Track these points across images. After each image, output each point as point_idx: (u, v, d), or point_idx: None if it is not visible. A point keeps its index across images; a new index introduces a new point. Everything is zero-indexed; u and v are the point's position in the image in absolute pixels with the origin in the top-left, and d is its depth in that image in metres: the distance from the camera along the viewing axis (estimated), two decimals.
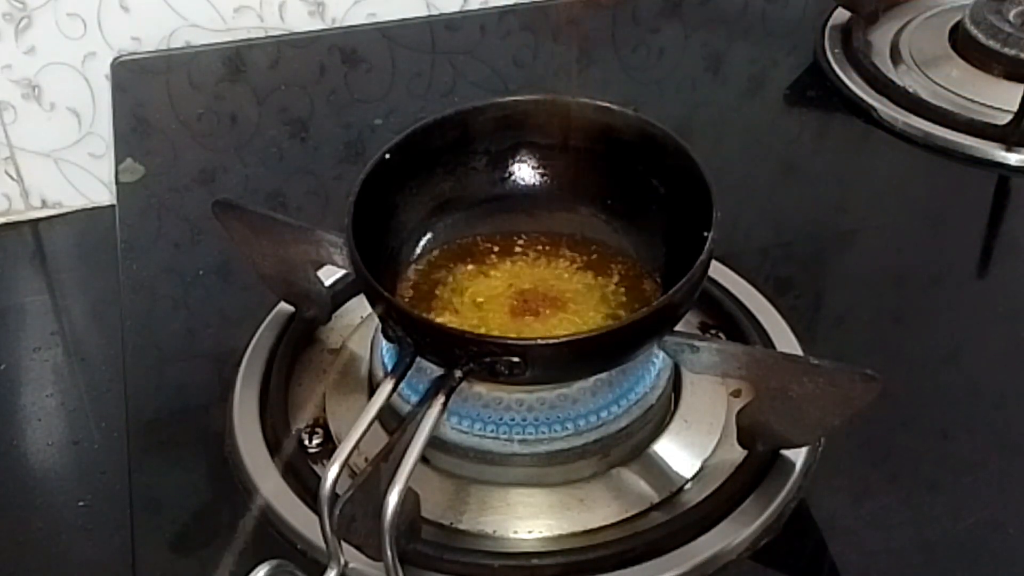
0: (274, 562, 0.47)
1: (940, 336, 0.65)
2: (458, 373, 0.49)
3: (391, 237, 0.58)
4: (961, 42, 0.88)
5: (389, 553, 0.46)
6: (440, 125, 0.58)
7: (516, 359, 0.48)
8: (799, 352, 0.61)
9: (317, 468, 0.56)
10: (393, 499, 0.45)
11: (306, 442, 0.58)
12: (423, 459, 0.50)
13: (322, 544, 0.49)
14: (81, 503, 0.69)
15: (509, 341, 0.49)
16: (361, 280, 0.53)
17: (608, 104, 0.58)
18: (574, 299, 0.56)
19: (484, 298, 0.56)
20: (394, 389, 0.50)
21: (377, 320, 0.55)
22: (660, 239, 0.58)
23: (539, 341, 0.49)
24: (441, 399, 0.48)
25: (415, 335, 0.50)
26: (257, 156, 0.81)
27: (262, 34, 0.92)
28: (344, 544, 0.48)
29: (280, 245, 0.58)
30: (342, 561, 0.48)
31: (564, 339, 0.50)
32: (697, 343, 0.52)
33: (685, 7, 0.96)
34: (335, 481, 0.46)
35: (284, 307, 0.64)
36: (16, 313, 0.84)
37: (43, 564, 0.67)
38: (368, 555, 0.47)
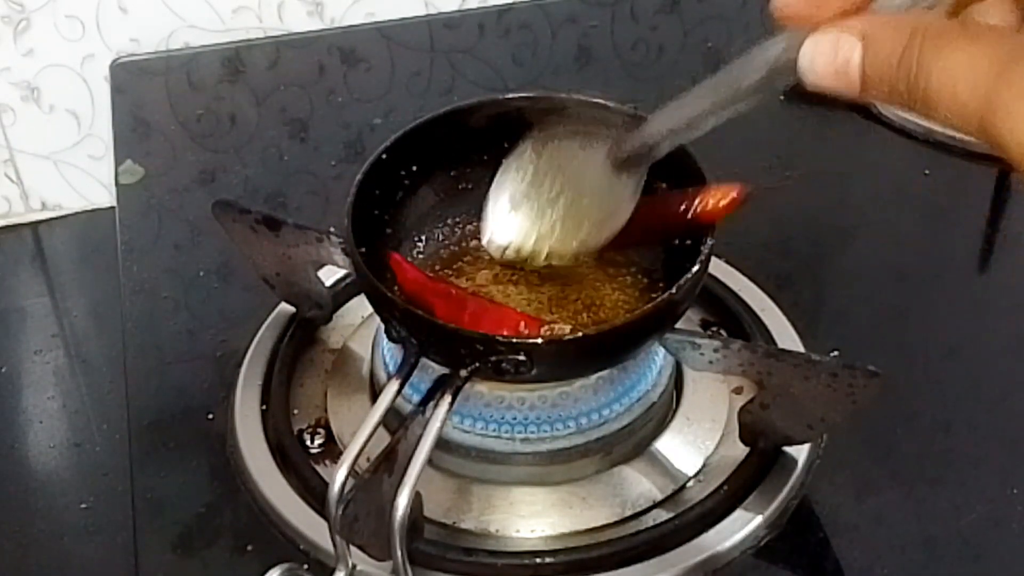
0: (284, 566, 0.47)
1: (942, 332, 0.65)
2: (464, 373, 0.49)
3: (391, 236, 0.58)
4: None
5: (399, 554, 0.46)
6: (435, 123, 0.58)
7: (522, 357, 0.48)
8: (801, 349, 0.61)
9: (319, 468, 0.56)
10: (403, 502, 0.45)
11: (308, 442, 0.58)
12: None
13: (325, 544, 0.49)
14: (83, 505, 0.69)
15: (515, 340, 0.49)
16: (363, 282, 0.53)
17: (602, 100, 0.58)
18: (572, 296, 0.56)
19: (485, 294, 0.56)
20: (399, 391, 0.50)
21: (378, 319, 0.55)
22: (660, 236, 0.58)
23: (545, 339, 0.49)
24: (447, 399, 0.48)
25: (419, 335, 0.50)
26: (257, 156, 0.81)
27: (261, 34, 0.92)
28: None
29: (280, 245, 0.58)
30: (350, 564, 0.48)
31: (569, 337, 0.50)
32: (699, 340, 0.52)
33: (684, 4, 0.96)
34: (343, 485, 0.46)
35: (285, 307, 0.64)
36: (17, 315, 0.84)
37: (46, 566, 0.67)
38: (371, 555, 0.47)
